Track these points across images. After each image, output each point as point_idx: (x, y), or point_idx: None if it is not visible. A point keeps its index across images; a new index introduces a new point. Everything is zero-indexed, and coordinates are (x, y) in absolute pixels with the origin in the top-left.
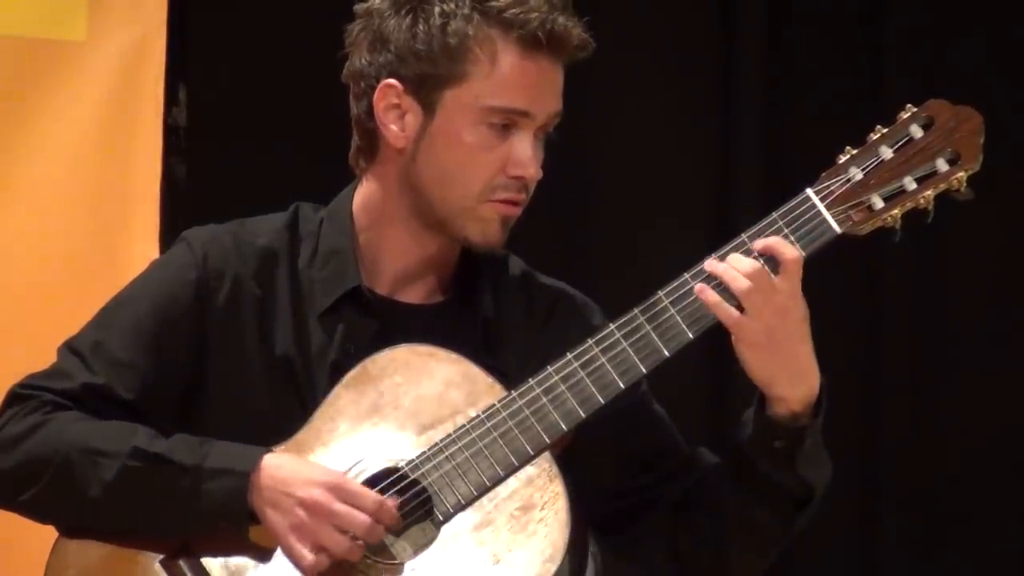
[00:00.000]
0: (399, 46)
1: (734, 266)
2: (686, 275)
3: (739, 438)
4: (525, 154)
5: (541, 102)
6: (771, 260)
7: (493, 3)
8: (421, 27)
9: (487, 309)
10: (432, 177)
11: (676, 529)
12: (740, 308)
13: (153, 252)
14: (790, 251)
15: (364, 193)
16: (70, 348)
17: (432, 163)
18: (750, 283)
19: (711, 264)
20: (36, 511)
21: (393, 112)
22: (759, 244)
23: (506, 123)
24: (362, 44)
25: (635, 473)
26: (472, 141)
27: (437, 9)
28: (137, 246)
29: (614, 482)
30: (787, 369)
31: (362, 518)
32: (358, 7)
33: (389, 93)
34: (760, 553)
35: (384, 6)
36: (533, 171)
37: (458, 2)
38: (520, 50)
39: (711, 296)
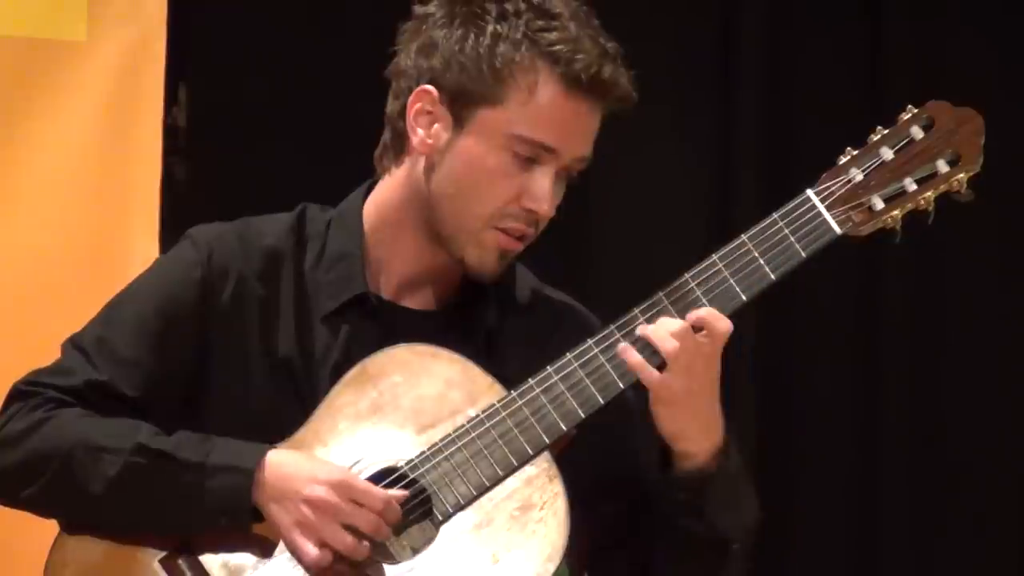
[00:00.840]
0: (445, 55)
1: (664, 327)
2: (687, 275)
3: (648, 487)
4: (543, 190)
5: (570, 142)
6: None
7: (546, 35)
8: (471, 42)
9: (491, 319)
10: (447, 191)
11: (640, 547)
12: (660, 368)
13: (153, 252)
14: (722, 322)
15: (380, 194)
16: (74, 344)
17: (450, 177)
18: (677, 343)
19: (641, 328)
20: (39, 507)
21: (424, 118)
22: (692, 316)
23: (531, 156)
24: (411, 45)
25: (609, 497)
26: (494, 165)
27: (490, 28)
28: (137, 246)
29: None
30: (698, 422)
31: (369, 516)
32: (417, 8)
33: (424, 98)
34: None
35: (440, 13)
36: (547, 208)
37: (513, 26)
38: (562, 87)
39: (633, 356)
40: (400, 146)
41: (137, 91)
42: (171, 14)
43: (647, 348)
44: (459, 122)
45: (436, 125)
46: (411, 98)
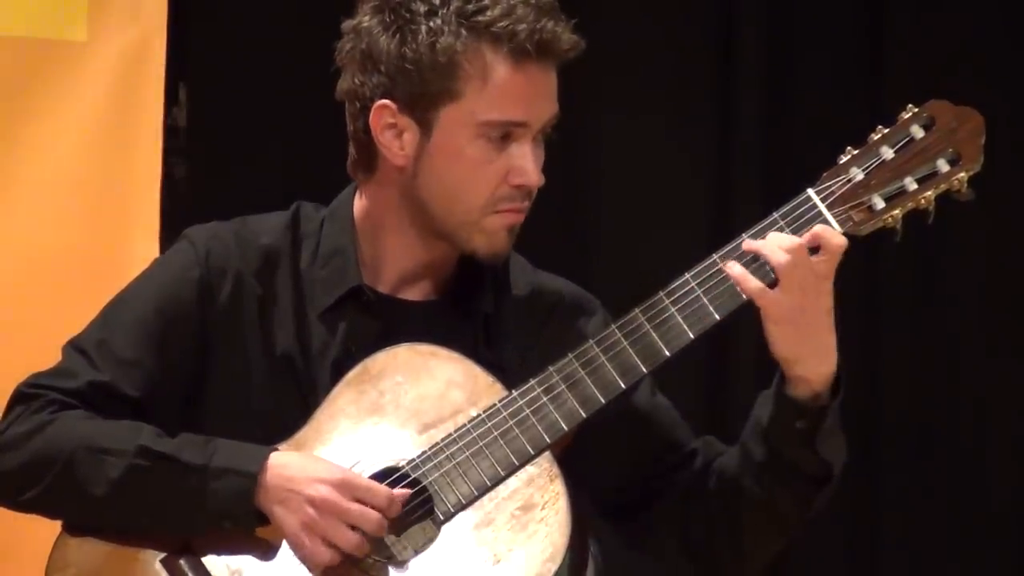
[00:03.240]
0: (389, 66)
1: (775, 241)
2: (687, 275)
3: (757, 418)
4: (526, 163)
5: (537, 110)
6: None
7: (480, 17)
8: (410, 46)
9: (488, 305)
10: (435, 193)
11: (687, 518)
12: (770, 285)
13: (153, 252)
14: (837, 238)
15: (364, 202)
16: (75, 347)
17: (434, 179)
18: (789, 257)
19: (748, 242)
20: (42, 509)
21: (390, 132)
22: (806, 236)
23: (504, 135)
24: (352, 63)
25: (641, 464)
26: (472, 156)
27: (424, 27)
28: (137, 246)
29: (620, 474)
30: (812, 348)
31: (372, 514)
32: (345, 24)
33: (384, 114)
34: (777, 534)
35: (372, 24)
36: (535, 178)
37: (445, 18)
38: (511, 62)
39: (737, 269)
40: (372, 161)
41: (137, 91)
42: (171, 14)
43: (754, 264)
44: (425, 126)
45: (404, 135)
46: (371, 117)
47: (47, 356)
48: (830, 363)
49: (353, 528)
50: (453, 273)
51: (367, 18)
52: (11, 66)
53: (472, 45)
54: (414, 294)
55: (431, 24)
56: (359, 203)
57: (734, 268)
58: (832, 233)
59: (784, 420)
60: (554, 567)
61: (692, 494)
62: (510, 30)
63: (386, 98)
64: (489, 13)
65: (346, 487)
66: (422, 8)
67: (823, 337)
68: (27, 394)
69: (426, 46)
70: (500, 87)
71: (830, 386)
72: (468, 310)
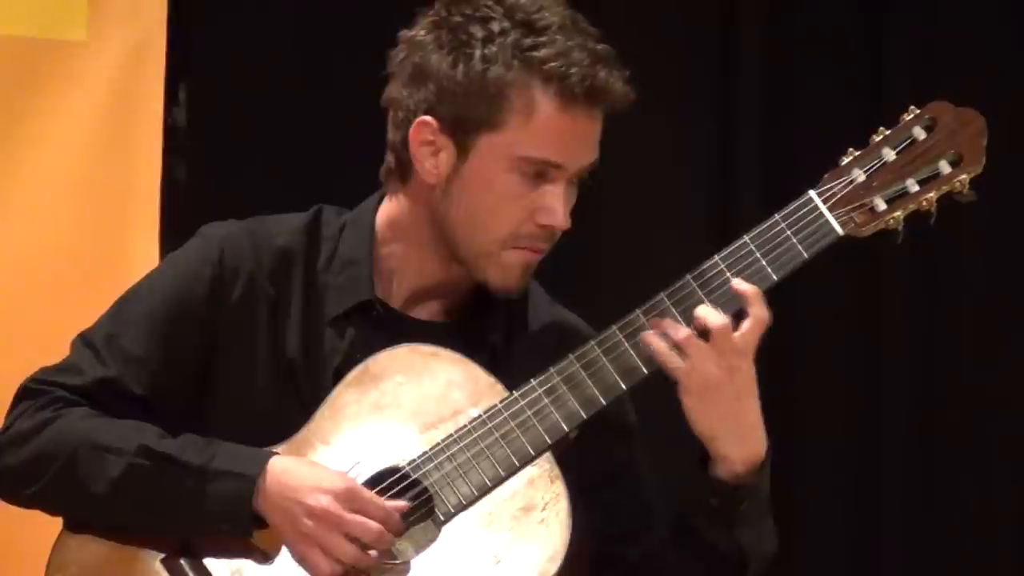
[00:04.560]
0: (438, 84)
1: (670, 330)
2: (688, 276)
3: (680, 493)
4: (555, 206)
5: (576, 155)
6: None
7: (535, 53)
8: (461, 68)
9: (497, 337)
10: (460, 217)
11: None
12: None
13: (153, 252)
14: (713, 317)
15: (390, 210)
16: (84, 341)
17: (461, 203)
18: (689, 332)
19: (653, 322)
20: (44, 505)
21: (427, 148)
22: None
23: (538, 172)
24: (403, 73)
25: (606, 529)
26: (503, 188)
27: (479, 53)
28: (137, 246)
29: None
30: (730, 428)
31: (372, 526)
32: (403, 33)
33: (424, 130)
34: None
35: (427, 39)
36: (562, 221)
37: (501, 47)
38: (558, 103)
39: (658, 343)
40: (406, 172)
41: (137, 91)
42: (171, 14)
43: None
44: (462, 149)
45: (440, 154)
46: (411, 131)
47: (47, 356)
48: (752, 446)
49: (353, 540)
50: (467, 298)
51: (424, 32)
52: (11, 66)
53: (523, 79)
54: (425, 313)
55: (486, 51)
56: (383, 210)
57: (651, 339)
58: (708, 313)
59: (700, 496)
60: (555, 567)
61: (636, 570)
62: (563, 71)
63: (429, 115)
64: (545, 51)
65: (347, 498)
66: (480, 33)
67: (742, 419)
68: (33, 390)
69: (477, 72)
70: (543, 125)
71: (754, 469)
72: (477, 337)
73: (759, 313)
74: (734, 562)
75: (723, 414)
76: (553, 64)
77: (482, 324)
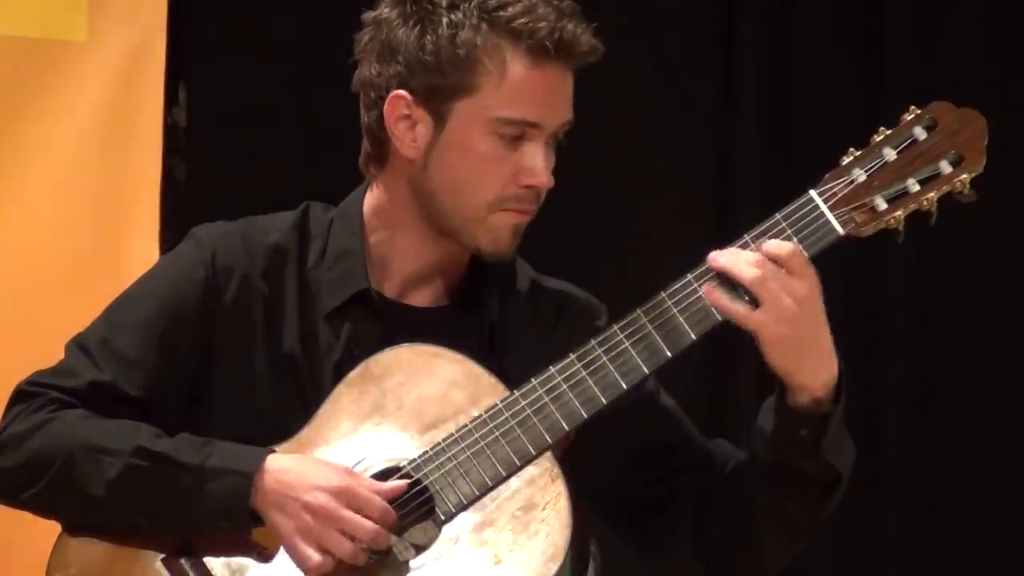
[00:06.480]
0: (408, 57)
1: (738, 258)
2: (689, 275)
3: (761, 428)
4: (537, 164)
5: (552, 112)
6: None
7: (501, 13)
8: (429, 38)
9: (493, 313)
10: (443, 187)
11: (700, 521)
12: (753, 304)
13: (153, 252)
14: (780, 245)
15: (374, 198)
16: (78, 345)
17: (443, 173)
18: (758, 271)
19: (713, 260)
20: (41, 508)
21: (404, 123)
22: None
23: (517, 134)
24: (371, 54)
25: (648, 467)
26: (483, 152)
27: (445, 20)
28: (137, 246)
29: (627, 477)
30: (810, 357)
31: (368, 525)
32: (366, 15)
33: (399, 104)
34: (792, 540)
35: (392, 15)
36: (545, 180)
37: (466, 12)
38: (529, 60)
39: (720, 298)
40: (384, 153)
41: (137, 91)
42: (171, 14)
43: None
44: (438, 118)
45: (417, 127)
46: (386, 107)
47: (47, 356)
48: (829, 369)
49: (349, 537)
50: (461, 279)
51: (388, 9)
52: (11, 66)
53: (491, 40)
54: (420, 299)
55: (452, 17)
56: (369, 199)
57: (713, 295)
58: (777, 242)
59: (788, 430)
60: (555, 567)
61: (704, 498)
62: (530, 27)
63: (402, 88)
64: (510, 9)
65: (344, 495)
66: (444, 1)
67: (820, 345)
68: (28, 392)
69: (446, 38)
70: (516, 84)
71: (832, 391)
72: (474, 318)
73: (786, 249)
74: (828, 486)
75: (802, 347)
76: (520, 21)
77: (477, 304)
